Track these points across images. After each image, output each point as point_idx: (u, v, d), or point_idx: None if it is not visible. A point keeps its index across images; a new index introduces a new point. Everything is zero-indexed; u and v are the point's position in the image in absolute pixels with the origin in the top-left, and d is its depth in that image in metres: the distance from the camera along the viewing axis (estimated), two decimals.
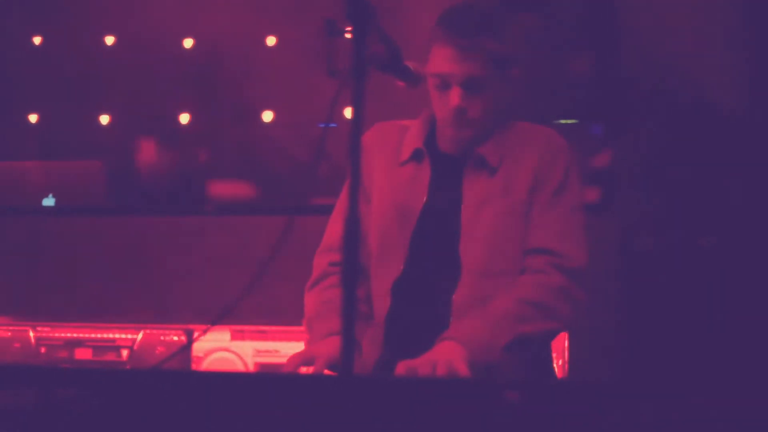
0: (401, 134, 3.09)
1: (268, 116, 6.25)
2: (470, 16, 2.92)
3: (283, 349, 4.23)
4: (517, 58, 2.96)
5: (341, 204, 3.12)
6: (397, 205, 3.01)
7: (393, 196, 3.02)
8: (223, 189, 5.99)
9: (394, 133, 3.11)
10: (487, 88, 2.92)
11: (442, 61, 2.90)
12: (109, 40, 6.55)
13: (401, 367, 2.75)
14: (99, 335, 4.32)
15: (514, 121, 3.08)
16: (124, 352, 4.28)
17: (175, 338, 4.24)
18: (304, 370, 2.82)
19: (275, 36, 6.29)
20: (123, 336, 4.30)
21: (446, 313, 2.90)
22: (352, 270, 2.03)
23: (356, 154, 2.08)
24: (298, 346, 4.19)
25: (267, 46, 6.31)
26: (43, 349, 4.32)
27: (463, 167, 2.99)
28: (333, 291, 3.01)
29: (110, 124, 6.52)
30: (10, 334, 4.34)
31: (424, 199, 2.99)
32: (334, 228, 3.11)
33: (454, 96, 2.90)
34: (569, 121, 5.29)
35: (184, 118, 6.42)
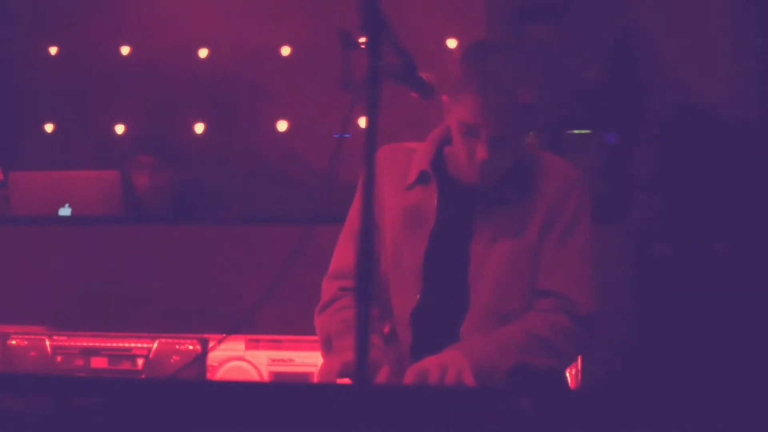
0: (408, 157, 3.05)
1: (282, 126, 6.28)
2: (506, 68, 2.84)
3: (297, 358, 4.24)
4: (540, 101, 2.93)
5: (347, 230, 3.10)
6: (408, 229, 2.99)
7: (403, 221, 3.00)
8: None
9: (400, 156, 3.06)
10: (515, 140, 2.89)
11: (474, 111, 2.83)
12: (125, 50, 6.59)
13: (410, 372, 2.77)
14: (115, 344, 4.33)
15: (526, 150, 3.04)
16: (140, 361, 4.29)
17: (190, 347, 4.26)
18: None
19: (289, 46, 6.32)
20: (138, 345, 4.31)
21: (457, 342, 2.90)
22: (367, 281, 2.04)
23: (370, 165, 2.09)
24: (312, 356, 4.20)
25: (281, 56, 6.34)
26: (59, 358, 4.34)
27: (475, 197, 2.96)
28: (347, 311, 2.99)
29: (125, 133, 6.56)
30: (26, 342, 4.36)
31: (432, 223, 2.97)
32: (341, 254, 3.07)
33: (482, 149, 2.85)
34: (583, 132, 5.30)
35: (199, 128, 6.45)
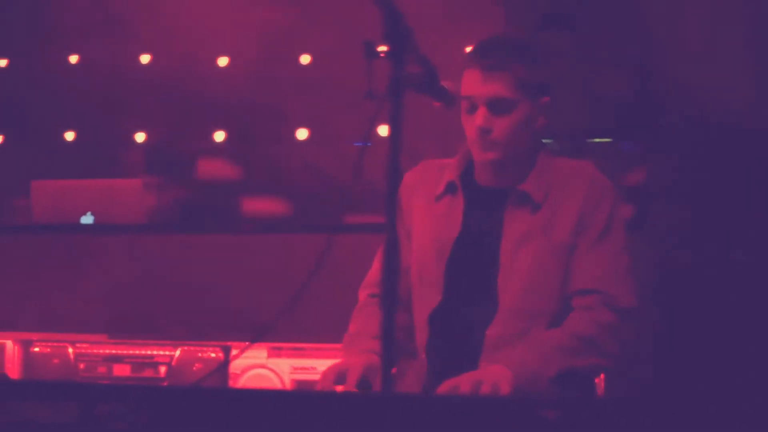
0: (441, 171, 3.12)
1: (302, 134, 6.29)
2: (498, 42, 3.01)
3: (320, 366, 4.24)
4: (547, 86, 2.99)
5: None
6: (433, 238, 3.04)
7: (430, 229, 3.05)
8: (257, 206, 6.02)
9: (434, 171, 3.13)
10: (512, 111, 2.94)
11: (469, 83, 2.95)
12: (145, 58, 6.61)
13: (445, 386, 2.78)
14: (137, 352, 4.35)
15: (554, 155, 3.09)
16: (162, 369, 4.31)
17: (213, 355, 4.27)
18: (338, 386, 2.87)
19: (309, 54, 6.33)
20: (161, 352, 4.32)
21: (479, 346, 2.93)
22: (391, 291, 2.05)
23: (394, 177, 2.10)
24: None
25: (301, 64, 6.34)
26: (82, 365, 4.36)
27: (504, 201, 3.00)
28: (369, 308, 3.09)
29: (146, 142, 6.58)
30: (49, 350, 4.38)
31: (458, 229, 3.02)
32: (377, 266, 3.14)
33: (479, 116, 2.93)
34: (602, 140, 5.29)
35: (220, 136, 6.46)
